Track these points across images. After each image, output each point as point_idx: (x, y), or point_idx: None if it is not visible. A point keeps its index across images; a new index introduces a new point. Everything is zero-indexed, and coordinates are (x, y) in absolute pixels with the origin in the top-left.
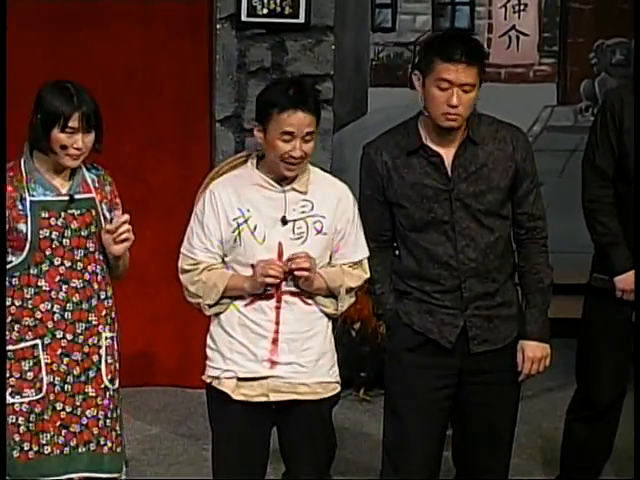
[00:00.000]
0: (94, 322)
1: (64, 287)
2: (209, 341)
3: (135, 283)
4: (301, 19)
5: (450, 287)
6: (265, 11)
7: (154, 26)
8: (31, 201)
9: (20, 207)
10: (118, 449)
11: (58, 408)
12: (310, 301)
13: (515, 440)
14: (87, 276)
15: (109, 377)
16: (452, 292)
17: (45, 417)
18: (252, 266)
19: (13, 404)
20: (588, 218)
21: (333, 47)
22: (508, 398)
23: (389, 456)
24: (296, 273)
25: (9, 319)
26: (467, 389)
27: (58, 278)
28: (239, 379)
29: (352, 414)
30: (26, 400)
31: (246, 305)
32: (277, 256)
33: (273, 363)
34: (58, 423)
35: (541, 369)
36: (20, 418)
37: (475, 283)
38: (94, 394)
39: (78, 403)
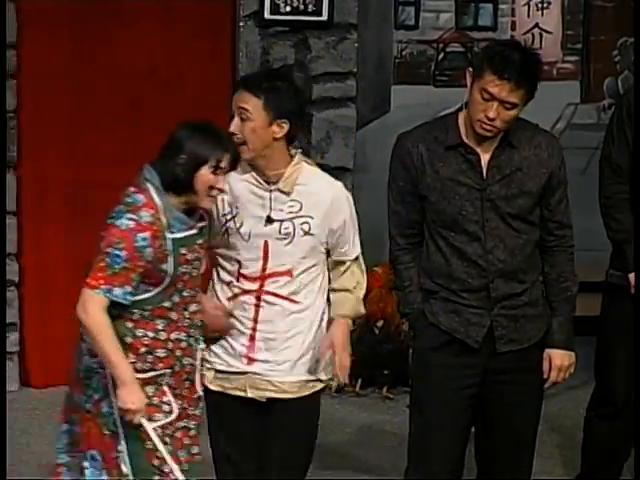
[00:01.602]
0: (196, 336)
1: (186, 314)
2: None
3: None
4: (324, 17)
5: (477, 286)
6: (288, 9)
7: (177, 24)
8: (172, 239)
9: (164, 247)
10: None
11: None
12: (298, 298)
13: (536, 438)
14: (198, 297)
15: (202, 388)
16: (479, 292)
17: (177, 435)
18: (238, 262)
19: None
20: (604, 215)
21: (356, 45)
22: (532, 398)
23: (413, 455)
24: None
25: (143, 350)
26: (492, 388)
27: (182, 307)
28: (217, 371)
29: (375, 412)
30: (159, 424)
31: (229, 299)
32: (262, 254)
33: (250, 360)
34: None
35: (567, 377)
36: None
37: (502, 283)
38: (187, 405)
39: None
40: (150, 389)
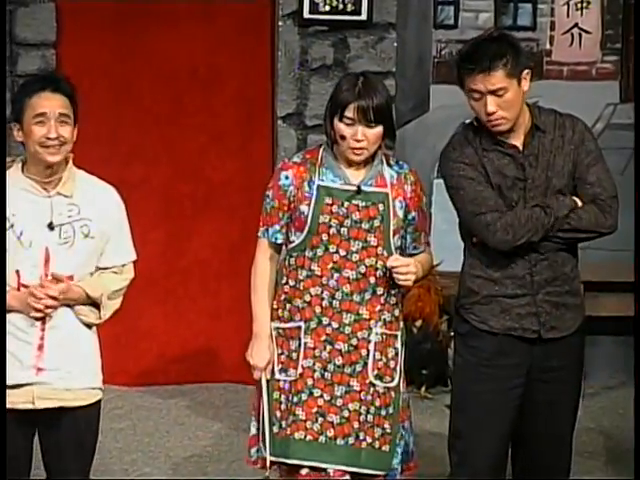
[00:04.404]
0: (365, 316)
1: (336, 275)
2: None
3: (197, 279)
4: (363, 16)
5: (520, 272)
6: (327, 8)
7: (217, 24)
8: (318, 185)
9: (307, 189)
10: (384, 447)
11: (316, 394)
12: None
13: (576, 438)
14: (363, 269)
15: (375, 373)
16: (522, 277)
17: (295, 400)
18: (17, 272)
19: (279, 380)
20: None
21: (395, 44)
22: (572, 397)
23: (457, 455)
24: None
25: (282, 297)
26: (533, 387)
27: (331, 265)
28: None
29: (413, 412)
30: (289, 379)
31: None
32: (44, 262)
33: (39, 370)
34: (314, 409)
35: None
36: (282, 395)
37: (545, 267)
38: (358, 388)
39: (338, 394)
40: (294, 344)
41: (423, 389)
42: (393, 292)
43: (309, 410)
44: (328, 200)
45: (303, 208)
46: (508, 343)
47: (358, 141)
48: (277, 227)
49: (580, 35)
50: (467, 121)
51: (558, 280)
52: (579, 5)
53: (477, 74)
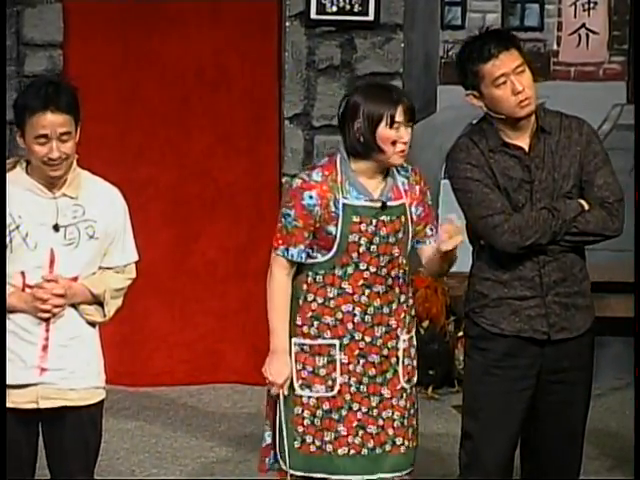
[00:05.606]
0: (393, 326)
1: (367, 291)
2: None
3: (204, 280)
4: (370, 17)
5: (529, 273)
6: (334, 9)
7: (224, 24)
8: (344, 204)
9: (333, 209)
10: (412, 444)
11: (354, 409)
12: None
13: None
14: (390, 281)
15: (406, 378)
16: (531, 279)
17: (333, 416)
18: (22, 273)
19: (301, 396)
20: None
21: (402, 45)
22: (583, 397)
23: (467, 457)
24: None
25: (309, 314)
26: (544, 388)
27: (361, 282)
28: (8, 386)
29: (420, 413)
30: (315, 395)
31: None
32: (49, 263)
33: (43, 370)
34: (355, 424)
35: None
36: (306, 411)
37: (554, 268)
38: (389, 395)
39: (374, 404)
40: (321, 360)
41: (430, 390)
42: (409, 295)
43: (350, 425)
44: (356, 219)
45: (331, 228)
46: (518, 345)
47: (406, 143)
48: (302, 247)
49: (587, 36)
50: (474, 121)
51: (567, 281)
52: (586, 6)
53: (498, 55)
